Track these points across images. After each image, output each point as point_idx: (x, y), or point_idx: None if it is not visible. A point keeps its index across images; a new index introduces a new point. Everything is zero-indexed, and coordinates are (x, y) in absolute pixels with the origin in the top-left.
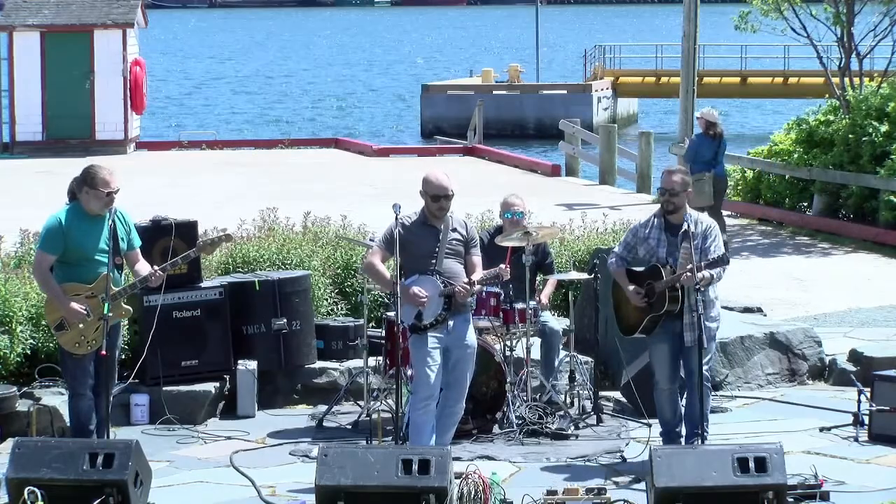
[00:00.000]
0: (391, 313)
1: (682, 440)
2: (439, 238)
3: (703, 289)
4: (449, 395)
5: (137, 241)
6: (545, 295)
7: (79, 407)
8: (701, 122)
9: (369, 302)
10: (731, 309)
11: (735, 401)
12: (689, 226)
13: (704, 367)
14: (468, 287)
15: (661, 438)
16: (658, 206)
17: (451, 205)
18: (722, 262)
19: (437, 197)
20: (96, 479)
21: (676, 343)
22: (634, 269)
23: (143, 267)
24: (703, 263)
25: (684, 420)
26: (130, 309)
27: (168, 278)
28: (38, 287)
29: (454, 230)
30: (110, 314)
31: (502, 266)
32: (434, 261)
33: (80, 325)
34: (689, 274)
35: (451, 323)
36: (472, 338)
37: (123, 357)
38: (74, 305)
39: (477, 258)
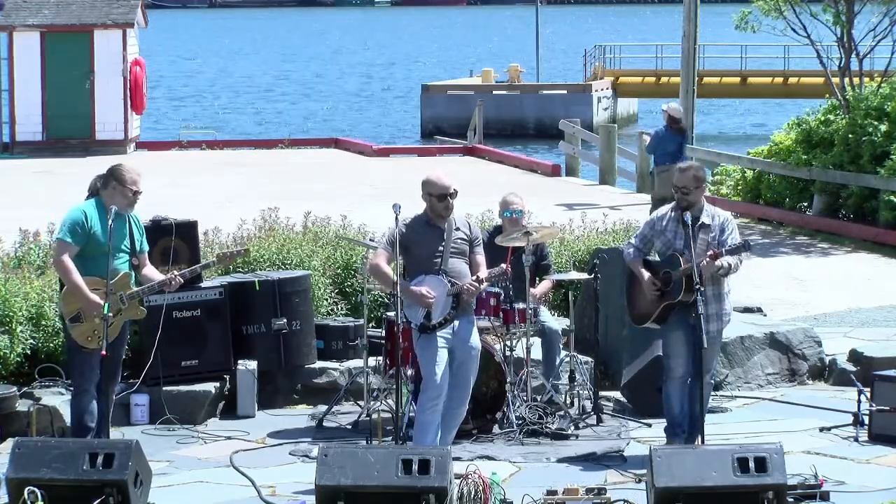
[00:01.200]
0: (391, 313)
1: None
2: (443, 238)
3: (723, 276)
4: (452, 397)
5: (146, 247)
6: (540, 290)
7: (81, 404)
8: (665, 115)
9: (369, 302)
10: None
11: (735, 401)
12: (705, 218)
13: (711, 366)
14: (476, 285)
15: (664, 437)
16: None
17: (454, 203)
18: (744, 248)
19: (442, 196)
20: (96, 479)
21: (690, 333)
22: (651, 259)
23: (150, 271)
24: (724, 250)
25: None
26: (145, 311)
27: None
28: (38, 287)
29: (457, 229)
30: (111, 314)
31: (503, 265)
32: (439, 260)
33: (96, 319)
34: (708, 260)
35: (456, 323)
36: (476, 340)
37: (124, 357)
38: (94, 297)
39: (481, 257)
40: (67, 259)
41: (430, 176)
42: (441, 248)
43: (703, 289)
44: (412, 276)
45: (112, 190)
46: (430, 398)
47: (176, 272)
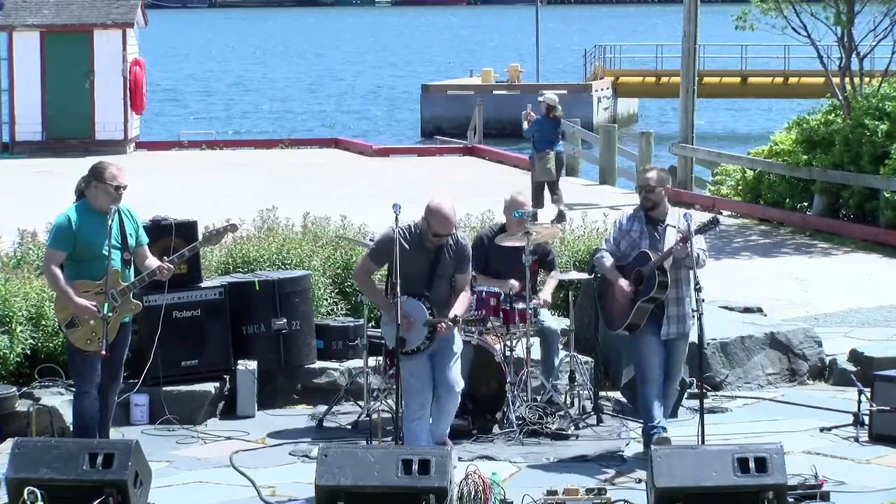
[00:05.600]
0: None
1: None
2: (430, 260)
3: (690, 268)
4: (440, 394)
5: (145, 238)
6: (547, 292)
7: (83, 406)
8: (543, 105)
9: (369, 302)
10: (731, 309)
11: (735, 401)
12: (670, 220)
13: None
14: (450, 324)
15: (642, 440)
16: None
17: (448, 239)
18: (713, 223)
19: (438, 234)
20: (96, 479)
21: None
22: (620, 263)
23: (154, 263)
24: (693, 229)
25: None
26: (140, 304)
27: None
28: (38, 287)
29: (447, 248)
30: (111, 315)
31: (513, 283)
32: (423, 282)
33: (91, 322)
34: (680, 245)
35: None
36: (456, 343)
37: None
38: (83, 301)
39: (465, 276)
40: (53, 267)
41: (435, 208)
42: (426, 271)
43: (692, 266)
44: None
45: (94, 189)
46: (415, 409)
47: (166, 259)
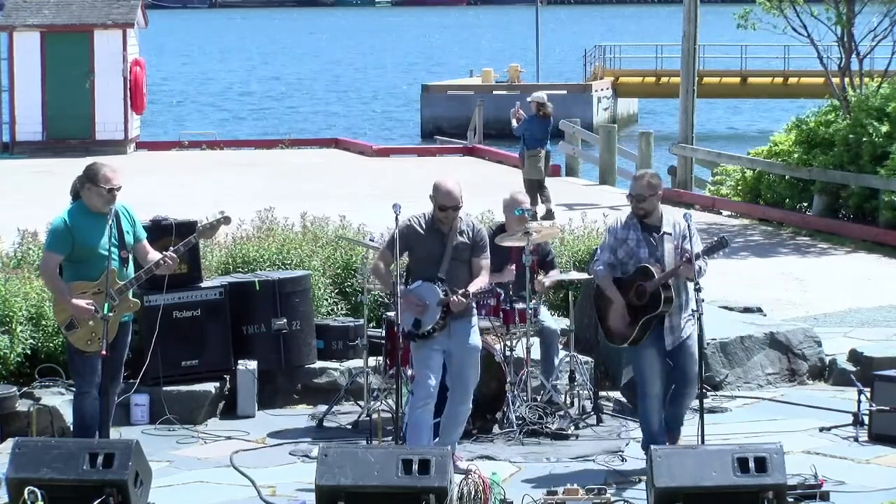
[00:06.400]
0: (391, 313)
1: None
2: (444, 243)
3: (698, 283)
4: (454, 397)
5: (143, 234)
6: (548, 279)
7: (83, 406)
8: (533, 104)
9: (369, 302)
10: (731, 309)
11: (735, 401)
12: (665, 227)
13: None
14: (461, 299)
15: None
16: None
17: (457, 215)
18: (721, 245)
19: (444, 207)
20: (96, 479)
21: (663, 348)
22: (619, 276)
23: (157, 256)
24: (701, 251)
25: (667, 422)
26: (138, 302)
27: (168, 278)
28: (38, 287)
29: (462, 233)
30: (110, 314)
31: (510, 268)
32: (437, 266)
33: (91, 323)
34: (684, 265)
35: (452, 325)
36: (475, 339)
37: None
38: (80, 302)
39: (483, 261)
40: (50, 270)
41: (439, 183)
42: (442, 255)
43: (699, 284)
44: (414, 278)
45: (88, 191)
46: (420, 399)
47: (165, 253)
